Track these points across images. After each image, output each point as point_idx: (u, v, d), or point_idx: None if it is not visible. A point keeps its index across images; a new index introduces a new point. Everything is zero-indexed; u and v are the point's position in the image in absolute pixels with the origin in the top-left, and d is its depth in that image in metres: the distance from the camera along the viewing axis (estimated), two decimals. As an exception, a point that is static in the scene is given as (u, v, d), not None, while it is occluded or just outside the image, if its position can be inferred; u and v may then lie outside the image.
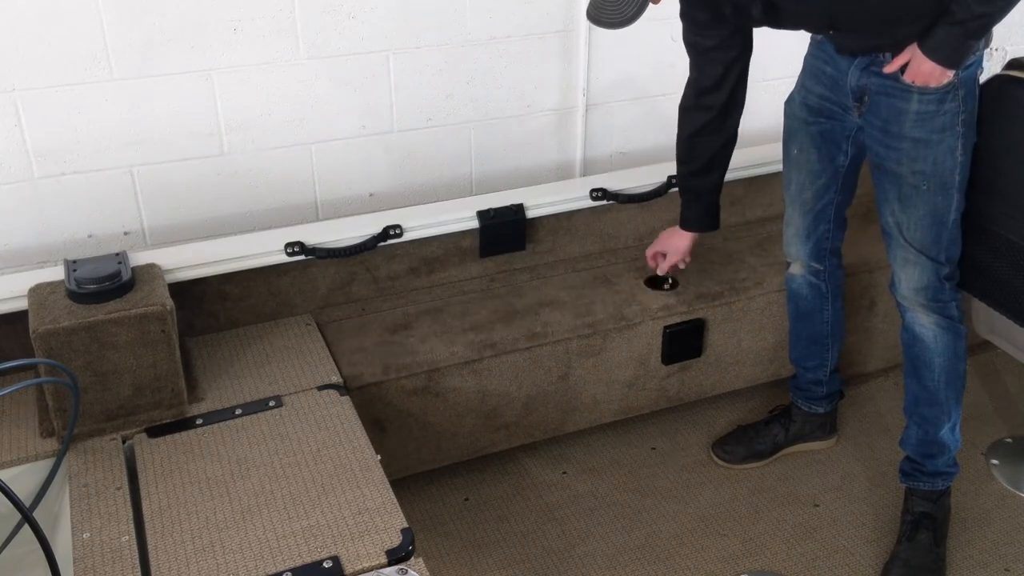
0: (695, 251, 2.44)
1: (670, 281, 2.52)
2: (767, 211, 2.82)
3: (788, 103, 2.25)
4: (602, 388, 2.48)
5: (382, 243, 2.37)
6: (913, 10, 1.83)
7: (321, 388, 2.07)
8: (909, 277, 2.08)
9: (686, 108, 2.23)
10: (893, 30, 1.88)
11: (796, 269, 2.38)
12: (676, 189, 2.61)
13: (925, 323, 2.11)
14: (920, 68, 1.89)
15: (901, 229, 2.04)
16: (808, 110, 2.17)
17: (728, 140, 2.24)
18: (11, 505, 1.32)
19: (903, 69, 1.91)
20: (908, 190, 2.00)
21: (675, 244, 2.41)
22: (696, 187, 2.32)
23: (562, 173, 2.84)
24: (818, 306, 2.40)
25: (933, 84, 1.89)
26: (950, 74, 1.88)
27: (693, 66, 2.17)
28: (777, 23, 1.97)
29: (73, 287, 1.92)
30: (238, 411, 2.00)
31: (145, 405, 1.97)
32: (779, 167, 2.39)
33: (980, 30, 1.84)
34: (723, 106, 2.16)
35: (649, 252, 2.48)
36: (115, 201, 2.39)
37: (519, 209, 2.49)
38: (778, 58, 2.50)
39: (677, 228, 2.41)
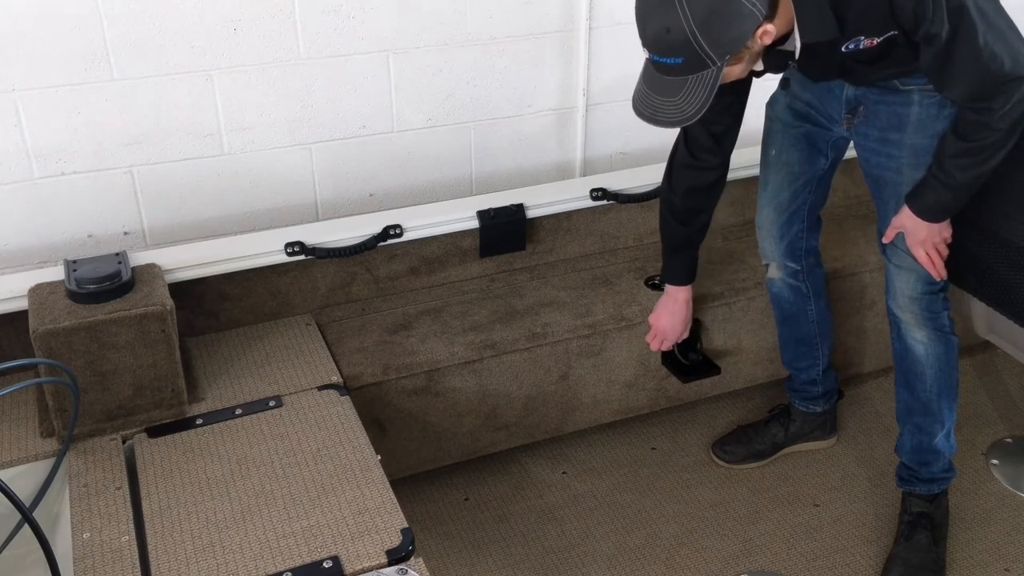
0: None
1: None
2: (767, 211, 2.82)
3: (771, 104, 2.23)
4: (602, 388, 2.48)
5: (382, 243, 2.37)
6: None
7: (321, 388, 2.07)
8: (904, 285, 2.08)
9: (685, 166, 2.13)
10: (901, 72, 1.89)
11: (774, 272, 2.38)
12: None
13: (917, 336, 2.11)
14: (917, 235, 1.96)
15: (896, 240, 2.04)
16: (793, 114, 2.16)
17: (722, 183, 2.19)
18: (11, 505, 1.32)
19: (903, 80, 1.91)
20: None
21: (670, 324, 2.33)
22: (698, 240, 2.26)
23: (562, 173, 2.84)
24: (801, 307, 2.39)
25: (931, 242, 1.96)
26: (945, 224, 1.95)
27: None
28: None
29: (73, 287, 1.92)
30: (238, 411, 2.00)
31: (145, 405, 1.97)
32: (779, 167, 2.39)
33: (970, 190, 1.87)
34: (722, 164, 2.12)
35: (654, 342, 2.38)
36: (115, 201, 2.39)
37: (519, 209, 2.49)
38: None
39: (666, 305, 2.34)
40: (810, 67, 1.95)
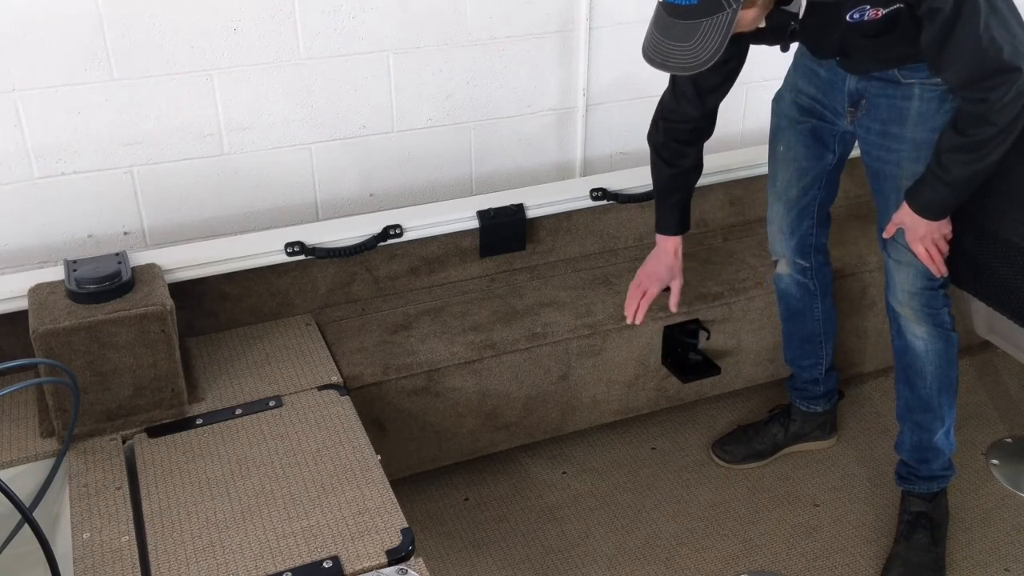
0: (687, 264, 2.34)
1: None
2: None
3: (776, 101, 2.24)
4: (602, 388, 2.48)
5: (382, 243, 2.37)
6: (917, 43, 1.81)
7: (321, 388, 2.07)
8: (904, 280, 2.08)
9: (667, 109, 2.13)
10: (899, 56, 1.88)
11: (783, 268, 2.37)
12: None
13: (917, 332, 2.11)
14: (917, 231, 1.96)
15: (896, 235, 2.04)
16: (799, 109, 2.16)
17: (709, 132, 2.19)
18: (11, 505, 1.32)
19: (904, 73, 1.91)
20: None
21: (653, 268, 2.31)
22: (685, 184, 2.24)
23: (562, 173, 2.84)
24: (808, 305, 2.39)
25: (931, 238, 1.96)
26: (945, 221, 1.95)
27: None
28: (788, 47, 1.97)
29: (73, 287, 1.92)
30: (238, 411, 2.00)
31: (145, 405, 1.97)
32: (779, 167, 2.39)
33: (968, 187, 1.87)
34: (703, 117, 2.11)
35: (636, 292, 2.31)
36: (115, 201, 2.39)
37: (519, 209, 2.49)
38: (776, 57, 2.50)
39: (654, 254, 2.32)
40: (811, 36, 1.92)
